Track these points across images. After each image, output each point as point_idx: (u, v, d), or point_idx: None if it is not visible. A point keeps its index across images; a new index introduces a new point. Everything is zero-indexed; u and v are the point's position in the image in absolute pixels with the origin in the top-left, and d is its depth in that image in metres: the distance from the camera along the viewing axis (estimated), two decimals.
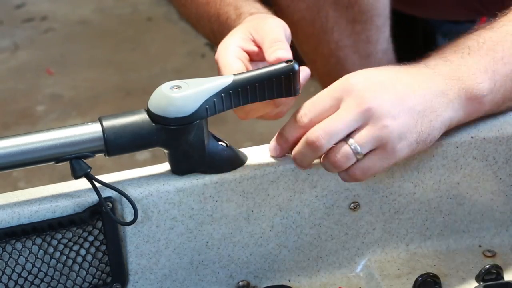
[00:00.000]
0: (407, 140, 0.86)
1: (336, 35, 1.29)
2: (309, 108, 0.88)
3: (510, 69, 0.91)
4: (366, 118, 0.85)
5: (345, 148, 0.86)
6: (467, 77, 0.90)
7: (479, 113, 0.92)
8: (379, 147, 0.86)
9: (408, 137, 0.86)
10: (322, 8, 1.26)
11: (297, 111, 0.88)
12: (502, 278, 0.92)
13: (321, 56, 1.33)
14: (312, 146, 0.86)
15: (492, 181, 0.97)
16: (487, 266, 0.92)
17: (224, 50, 0.94)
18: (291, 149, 0.90)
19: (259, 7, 1.08)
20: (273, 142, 0.92)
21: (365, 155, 0.86)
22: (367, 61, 1.32)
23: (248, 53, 0.95)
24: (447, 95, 0.89)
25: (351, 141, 0.86)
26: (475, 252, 0.99)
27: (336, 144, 0.86)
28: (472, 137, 0.94)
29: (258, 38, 0.96)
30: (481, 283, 0.91)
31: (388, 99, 0.86)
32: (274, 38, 0.94)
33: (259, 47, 0.95)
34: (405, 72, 0.90)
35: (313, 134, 0.86)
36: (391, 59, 1.35)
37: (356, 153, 0.86)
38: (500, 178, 0.97)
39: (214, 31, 1.15)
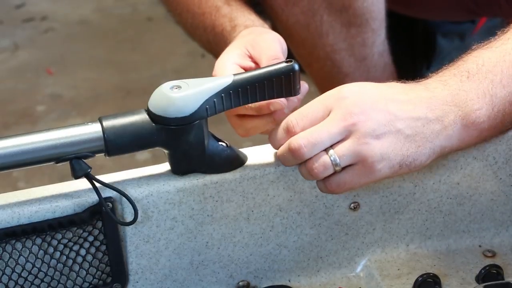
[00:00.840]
0: (389, 161, 0.85)
1: (331, 39, 1.29)
2: (300, 117, 0.87)
3: (508, 92, 0.90)
4: (349, 132, 0.85)
5: (324, 158, 0.86)
6: (464, 104, 0.88)
7: (477, 140, 0.91)
8: (359, 162, 0.85)
9: (391, 158, 0.85)
10: (317, 12, 1.26)
11: (288, 118, 0.88)
12: (502, 278, 0.92)
13: (317, 60, 1.33)
14: (294, 153, 0.86)
15: (492, 181, 0.97)
16: (487, 266, 0.92)
17: (222, 68, 0.95)
18: None
19: (254, 18, 1.09)
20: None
21: (343, 168, 0.86)
22: (363, 63, 1.32)
23: (245, 69, 0.96)
24: (442, 121, 0.87)
25: (331, 152, 0.85)
26: (475, 252, 0.99)
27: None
28: None
29: (255, 54, 0.96)
30: (481, 283, 0.91)
31: (376, 118, 0.86)
32: (272, 55, 0.95)
33: (256, 63, 0.96)
34: (403, 92, 0.89)
35: (296, 141, 0.86)
36: (387, 61, 1.35)
37: (334, 164, 0.85)
38: (500, 178, 0.97)
39: (210, 41, 1.16)
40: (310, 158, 0.86)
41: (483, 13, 1.43)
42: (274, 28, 1.30)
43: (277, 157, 0.90)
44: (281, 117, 0.90)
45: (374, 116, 0.86)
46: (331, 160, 0.85)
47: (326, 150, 0.86)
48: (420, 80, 0.91)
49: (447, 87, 0.89)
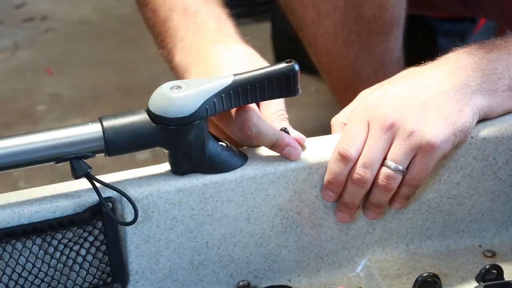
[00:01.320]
0: (443, 135, 0.88)
1: (355, 47, 1.30)
2: (348, 141, 0.90)
3: None
4: (393, 134, 0.89)
5: (385, 171, 0.89)
6: (488, 70, 0.92)
7: (500, 109, 0.94)
8: (417, 153, 0.89)
9: (442, 132, 0.88)
10: (347, 23, 1.27)
11: (338, 147, 0.90)
12: (502, 278, 0.92)
13: (338, 67, 1.34)
14: (359, 184, 0.89)
15: (492, 181, 0.97)
16: (487, 266, 0.92)
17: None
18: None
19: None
20: (325, 190, 0.93)
21: (408, 167, 0.89)
22: (381, 70, 1.32)
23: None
24: (470, 86, 0.91)
25: (388, 163, 0.89)
26: (475, 252, 0.99)
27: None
28: (472, 137, 0.94)
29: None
30: (481, 283, 0.91)
31: (409, 109, 0.89)
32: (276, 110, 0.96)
33: None
34: (424, 75, 0.93)
35: (356, 174, 0.89)
36: (402, 66, 1.36)
37: (397, 171, 0.89)
38: (500, 178, 0.97)
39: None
40: (377, 178, 0.89)
41: (482, 8, 1.43)
42: (297, 37, 1.30)
43: (343, 202, 0.92)
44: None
45: (407, 108, 0.89)
46: (392, 169, 0.89)
47: (383, 163, 0.89)
48: (439, 57, 0.95)
49: (471, 56, 0.93)
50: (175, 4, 1.08)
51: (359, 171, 0.89)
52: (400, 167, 0.89)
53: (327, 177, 0.91)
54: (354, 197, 0.91)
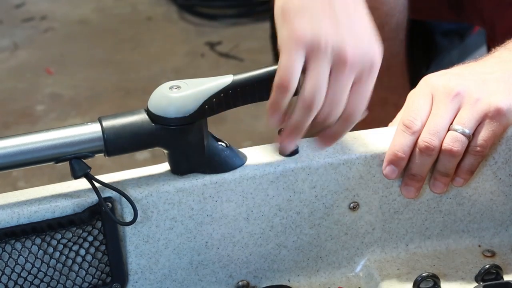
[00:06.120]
0: (506, 102, 0.90)
1: None
2: (413, 115, 0.91)
3: None
4: (459, 102, 0.90)
5: (453, 134, 0.89)
6: None
7: None
8: (484, 118, 0.90)
9: (505, 99, 0.90)
10: None
11: (404, 118, 0.91)
12: (502, 278, 0.92)
13: None
14: (427, 151, 0.89)
15: (492, 181, 0.97)
16: (487, 266, 0.92)
17: None
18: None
19: None
20: (388, 165, 0.92)
21: (473, 133, 0.90)
22: (386, 73, 1.32)
23: None
24: None
25: (455, 126, 0.90)
26: (474, 252, 0.99)
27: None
28: None
29: None
30: (481, 283, 0.91)
31: (472, 80, 0.91)
32: None
33: None
34: (475, 64, 0.96)
35: (422, 141, 0.89)
36: (405, 67, 1.37)
37: (464, 134, 0.89)
38: (500, 178, 0.97)
39: None
40: (443, 142, 0.89)
41: (454, 16, 1.44)
42: None
43: (411, 175, 0.92)
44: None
45: (469, 80, 0.91)
46: (460, 132, 0.89)
47: (449, 128, 0.90)
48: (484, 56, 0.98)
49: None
50: None
51: (426, 138, 0.89)
52: (467, 131, 0.89)
53: (391, 149, 0.91)
54: (422, 166, 0.91)
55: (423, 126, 0.90)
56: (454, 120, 0.90)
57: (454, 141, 0.89)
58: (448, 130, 0.90)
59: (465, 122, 0.90)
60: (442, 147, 0.90)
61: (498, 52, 0.98)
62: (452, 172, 0.92)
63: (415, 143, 0.90)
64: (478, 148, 0.90)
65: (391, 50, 1.31)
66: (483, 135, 0.90)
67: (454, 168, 0.92)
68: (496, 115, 0.90)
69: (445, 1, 1.39)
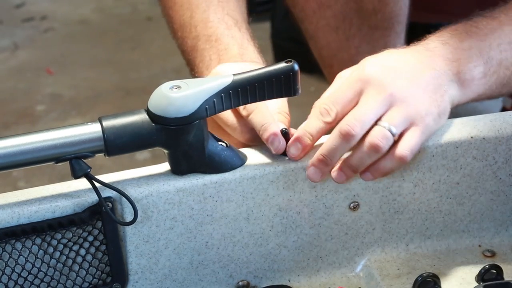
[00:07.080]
0: (432, 114, 0.90)
1: (356, 41, 1.30)
2: (332, 102, 0.89)
3: (505, 57, 0.96)
4: (391, 102, 0.88)
5: (380, 129, 0.87)
6: (463, 60, 0.94)
7: (473, 95, 0.96)
8: (411, 123, 0.88)
9: (432, 111, 0.90)
10: (347, 15, 1.27)
11: (321, 105, 0.89)
12: (502, 278, 0.92)
13: (340, 61, 1.34)
14: (346, 136, 0.86)
15: (492, 181, 0.97)
16: (487, 266, 0.92)
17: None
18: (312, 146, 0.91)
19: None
20: (293, 144, 0.90)
21: (399, 137, 0.88)
22: None
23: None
24: (448, 75, 0.93)
25: (384, 123, 0.87)
26: (474, 252, 0.99)
27: (370, 129, 0.87)
28: (472, 137, 0.94)
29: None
30: (481, 283, 0.91)
31: (406, 82, 0.89)
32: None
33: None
34: (410, 55, 0.93)
35: (345, 124, 0.87)
36: None
37: (391, 132, 0.87)
38: (500, 178, 0.97)
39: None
40: (369, 135, 0.87)
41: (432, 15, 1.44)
42: (299, 29, 1.31)
43: (320, 156, 0.88)
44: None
45: (403, 81, 0.90)
46: (387, 129, 0.87)
47: (376, 124, 0.87)
48: (420, 40, 0.97)
49: (446, 46, 0.95)
50: (199, 32, 1.10)
51: (350, 122, 0.87)
52: (394, 129, 0.87)
53: (300, 130, 0.90)
54: (336, 152, 0.88)
55: (339, 119, 0.88)
56: (383, 117, 0.87)
57: (382, 137, 0.87)
58: (375, 125, 0.87)
59: (394, 122, 0.87)
60: (368, 140, 0.87)
61: (433, 43, 0.95)
62: (362, 168, 0.89)
63: (326, 131, 0.89)
64: (398, 154, 0.87)
65: (386, 41, 1.31)
66: (407, 141, 0.88)
67: (367, 165, 0.89)
68: (422, 125, 0.88)
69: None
